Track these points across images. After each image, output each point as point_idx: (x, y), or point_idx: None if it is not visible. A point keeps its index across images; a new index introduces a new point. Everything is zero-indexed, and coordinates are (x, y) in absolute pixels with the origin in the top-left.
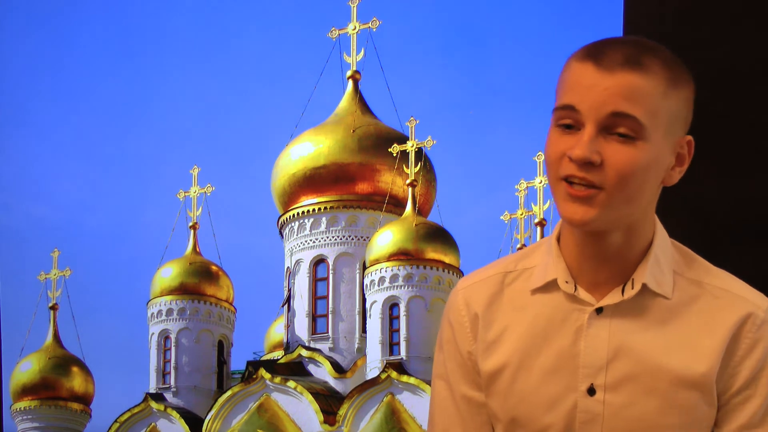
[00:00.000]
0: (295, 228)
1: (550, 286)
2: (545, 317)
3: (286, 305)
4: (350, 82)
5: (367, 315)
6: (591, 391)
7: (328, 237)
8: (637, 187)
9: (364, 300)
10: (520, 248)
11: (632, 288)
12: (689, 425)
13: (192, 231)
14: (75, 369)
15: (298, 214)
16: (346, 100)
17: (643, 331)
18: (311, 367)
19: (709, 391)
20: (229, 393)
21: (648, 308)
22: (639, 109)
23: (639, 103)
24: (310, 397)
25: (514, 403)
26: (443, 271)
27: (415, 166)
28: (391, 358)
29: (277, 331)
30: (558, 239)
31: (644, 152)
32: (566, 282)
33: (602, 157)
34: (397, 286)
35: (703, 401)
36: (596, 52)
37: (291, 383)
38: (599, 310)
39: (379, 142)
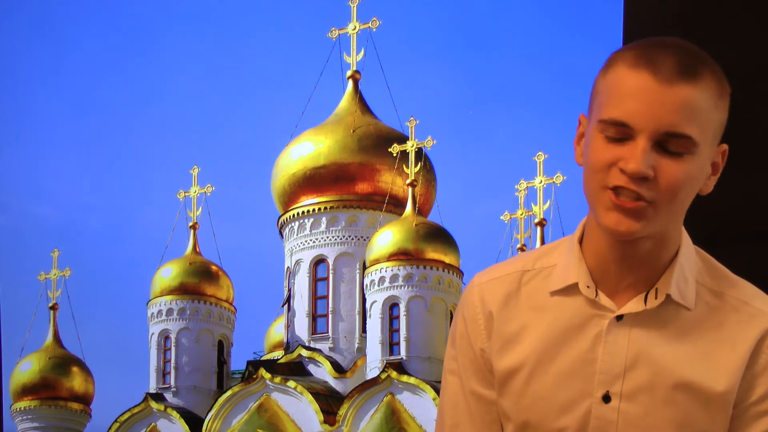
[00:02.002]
0: (295, 228)
1: (571, 290)
2: (564, 320)
3: (286, 305)
4: (350, 82)
5: (367, 315)
6: (606, 399)
7: (328, 237)
8: (683, 199)
9: (364, 300)
10: (520, 248)
11: (656, 298)
12: None
13: (192, 231)
14: (75, 369)
15: (298, 214)
16: (346, 100)
17: (663, 341)
18: (311, 367)
19: (724, 409)
20: (229, 393)
21: (669, 318)
22: (694, 128)
23: (694, 122)
24: (310, 397)
25: (527, 404)
26: (443, 271)
27: (415, 166)
28: (391, 358)
29: (277, 331)
30: (580, 240)
31: (693, 165)
32: (587, 287)
33: (654, 171)
34: (397, 286)
35: (717, 419)
36: (650, 58)
37: (291, 383)
38: (619, 318)
39: (379, 142)
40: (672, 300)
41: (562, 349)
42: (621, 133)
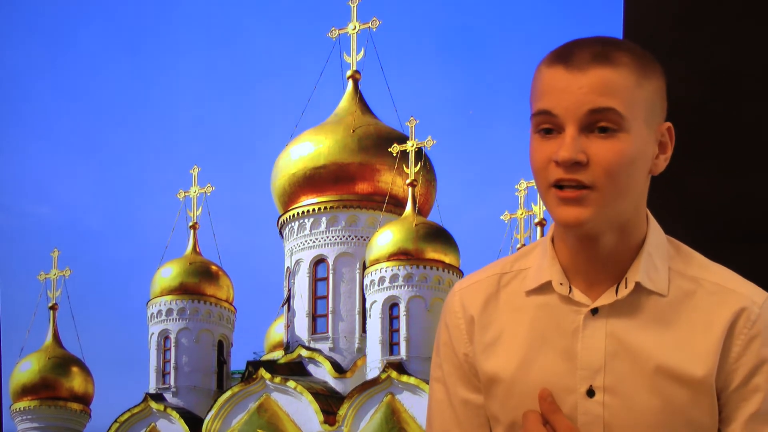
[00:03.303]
0: (295, 228)
1: (545, 288)
2: (542, 319)
3: (286, 305)
4: (350, 82)
5: (367, 315)
6: (590, 393)
7: (328, 237)
8: (626, 180)
9: (364, 300)
10: (520, 248)
11: (626, 287)
12: (688, 424)
13: (192, 231)
14: (75, 369)
15: (298, 214)
16: (346, 100)
17: (640, 330)
18: (311, 367)
19: (707, 393)
20: (229, 393)
21: (643, 307)
22: (615, 101)
23: (615, 96)
24: (310, 397)
25: (514, 405)
26: (443, 271)
27: (415, 166)
28: (391, 358)
29: (277, 331)
30: (553, 240)
31: (628, 144)
32: (560, 284)
33: (587, 156)
34: (397, 286)
35: (703, 403)
36: (565, 55)
37: (291, 383)
38: (595, 311)
39: (379, 142)
40: (644, 288)
41: (543, 348)
42: (549, 121)
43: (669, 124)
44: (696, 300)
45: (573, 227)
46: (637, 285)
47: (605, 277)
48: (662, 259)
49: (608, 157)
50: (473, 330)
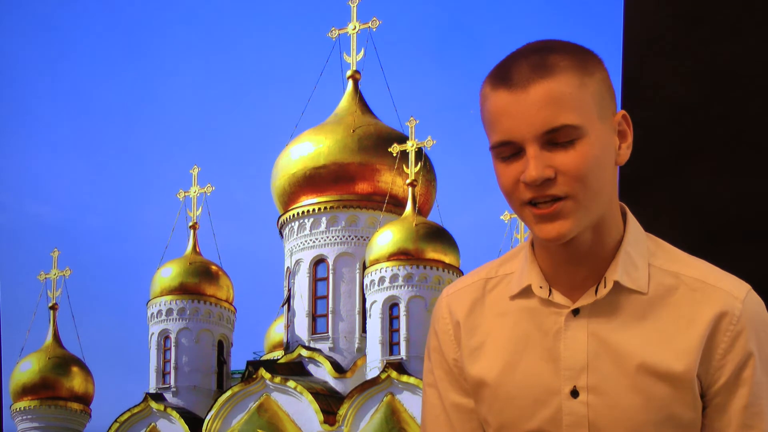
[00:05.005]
0: (295, 228)
1: (527, 292)
2: (525, 322)
3: (286, 305)
4: (350, 82)
5: (367, 315)
6: (574, 393)
7: (328, 237)
8: (597, 180)
9: (364, 300)
10: None
11: (605, 287)
12: (672, 420)
13: (192, 231)
14: (75, 369)
15: (298, 214)
16: (346, 100)
17: (622, 329)
18: (311, 367)
19: (689, 388)
20: (229, 393)
21: (624, 305)
22: (566, 114)
23: (564, 108)
24: (310, 397)
25: (500, 408)
26: (443, 271)
27: (415, 166)
28: (391, 358)
29: (277, 331)
30: (533, 244)
31: (589, 146)
32: (540, 287)
33: (555, 169)
34: (397, 286)
35: (686, 399)
36: (504, 75)
37: (291, 383)
38: (576, 312)
39: (379, 142)
40: (623, 287)
41: (527, 351)
42: (511, 149)
43: (623, 111)
44: (677, 296)
45: (556, 241)
46: (617, 284)
47: (586, 278)
48: (641, 255)
49: (574, 165)
50: (460, 334)
